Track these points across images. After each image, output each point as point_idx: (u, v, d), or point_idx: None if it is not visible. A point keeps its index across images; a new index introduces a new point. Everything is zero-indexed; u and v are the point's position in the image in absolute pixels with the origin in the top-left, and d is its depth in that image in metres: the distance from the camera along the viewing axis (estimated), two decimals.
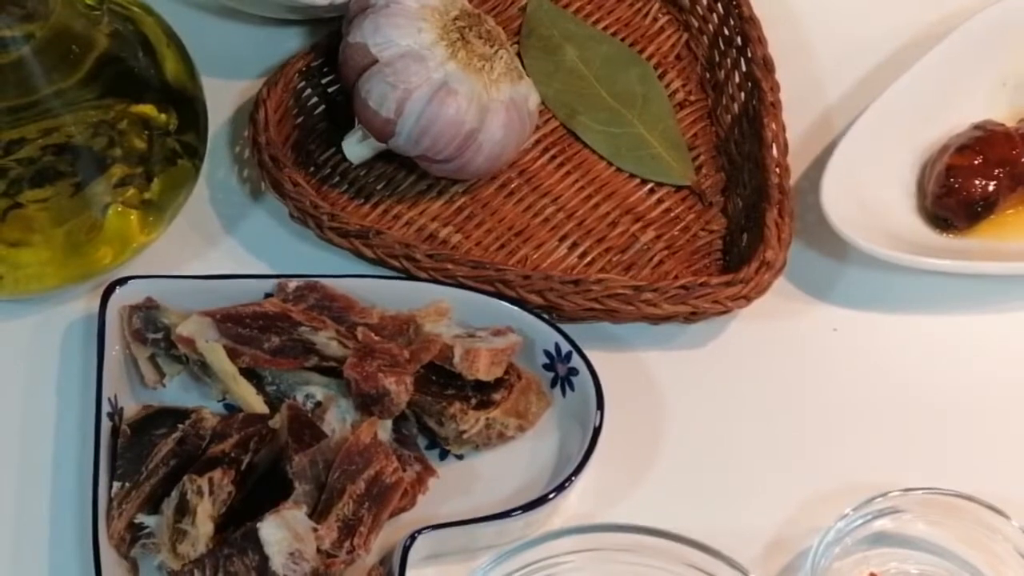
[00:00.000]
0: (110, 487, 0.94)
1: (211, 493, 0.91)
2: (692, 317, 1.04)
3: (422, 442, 1.00)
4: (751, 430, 1.03)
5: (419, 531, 0.92)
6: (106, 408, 0.96)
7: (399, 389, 0.95)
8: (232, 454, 0.94)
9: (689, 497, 0.99)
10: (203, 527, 0.91)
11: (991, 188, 1.08)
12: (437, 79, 1.02)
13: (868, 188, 1.10)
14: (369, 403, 0.95)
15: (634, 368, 1.04)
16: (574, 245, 1.10)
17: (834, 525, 0.92)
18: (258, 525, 0.89)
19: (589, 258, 1.09)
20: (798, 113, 1.14)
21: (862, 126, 1.11)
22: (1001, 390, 1.06)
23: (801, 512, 0.98)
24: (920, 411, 1.04)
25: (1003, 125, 1.11)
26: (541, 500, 0.94)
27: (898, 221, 1.10)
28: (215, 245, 1.10)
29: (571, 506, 0.97)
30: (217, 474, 0.92)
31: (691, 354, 1.06)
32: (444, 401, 0.97)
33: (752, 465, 1.01)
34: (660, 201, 1.12)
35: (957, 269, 1.07)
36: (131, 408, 0.99)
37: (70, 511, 0.97)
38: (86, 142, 1.00)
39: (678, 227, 1.11)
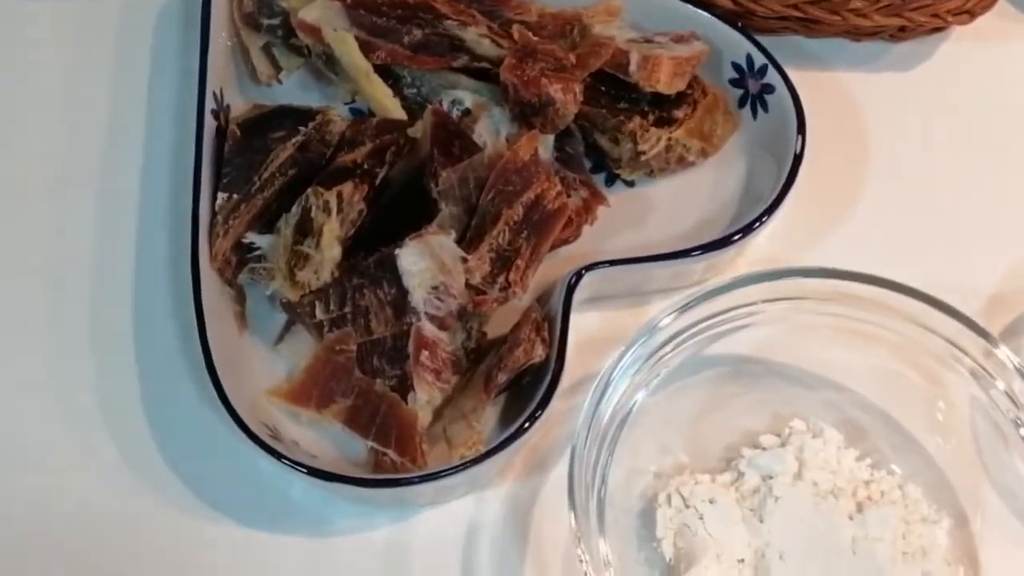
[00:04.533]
0: (214, 198, 0.79)
1: (340, 211, 0.77)
2: (900, 34, 0.89)
3: (586, 164, 0.85)
4: (965, 167, 0.88)
5: (587, 268, 0.78)
6: (210, 104, 0.81)
7: (567, 98, 0.79)
8: (364, 165, 0.79)
9: (893, 243, 0.85)
10: (329, 251, 0.76)
11: None
12: None
13: None
14: (529, 113, 0.80)
15: (832, 90, 0.89)
16: None
17: None
18: (396, 252, 0.75)
19: None
20: None
21: None
22: None
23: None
24: None
25: None
26: (726, 240, 0.79)
27: None
28: None
29: (759, 247, 0.82)
30: (347, 188, 0.77)
31: (897, 77, 0.90)
32: (622, 115, 0.82)
33: (966, 209, 0.86)
34: None
35: None
36: (239, 107, 0.84)
37: (161, 226, 0.84)
38: None
39: None
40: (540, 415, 0.73)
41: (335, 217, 0.76)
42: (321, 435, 0.77)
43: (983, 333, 0.75)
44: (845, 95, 0.89)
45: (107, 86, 0.88)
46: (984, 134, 0.89)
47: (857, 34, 0.88)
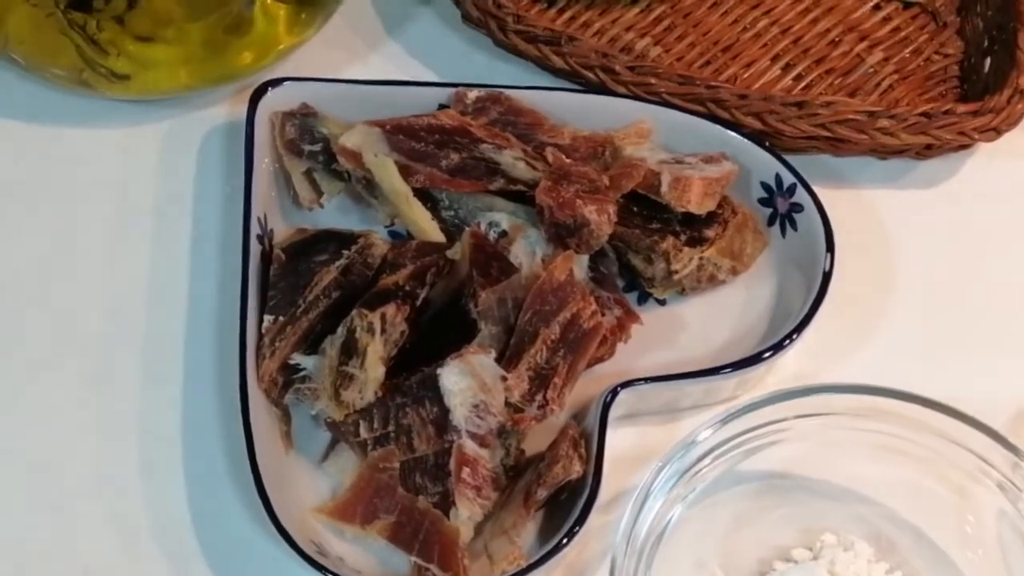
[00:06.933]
0: (260, 321, 0.81)
1: (383, 331, 0.79)
2: (927, 151, 0.90)
3: (619, 283, 0.87)
4: (994, 281, 0.89)
5: (622, 385, 0.79)
6: (255, 229, 0.83)
7: (601, 219, 0.82)
8: (406, 287, 0.80)
9: (923, 357, 0.86)
10: (373, 371, 0.78)
11: None
12: None
13: None
14: (564, 234, 0.82)
15: (859, 207, 0.91)
16: (789, 66, 0.96)
17: None
18: (439, 371, 0.77)
19: (806, 81, 0.96)
20: None
21: None
22: None
23: None
24: None
25: None
26: (757, 358, 0.81)
27: None
28: (376, 49, 0.97)
29: (788, 364, 0.84)
30: (390, 310, 0.79)
31: (924, 194, 0.92)
32: (655, 235, 0.84)
33: (995, 322, 0.88)
34: (887, 19, 0.99)
35: None
36: (282, 231, 0.86)
37: (209, 349, 0.85)
38: None
39: (909, 49, 0.97)
40: (578, 531, 0.74)
41: (379, 338, 0.78)
42: (365, 550, 0.78)
43: (1010, 447, 0.77)
44: (872, 212, 0.90)
45: (151, 211, 0.90)
46: (1010, 249, 0.90)
47: (883, 152, 0.90)
